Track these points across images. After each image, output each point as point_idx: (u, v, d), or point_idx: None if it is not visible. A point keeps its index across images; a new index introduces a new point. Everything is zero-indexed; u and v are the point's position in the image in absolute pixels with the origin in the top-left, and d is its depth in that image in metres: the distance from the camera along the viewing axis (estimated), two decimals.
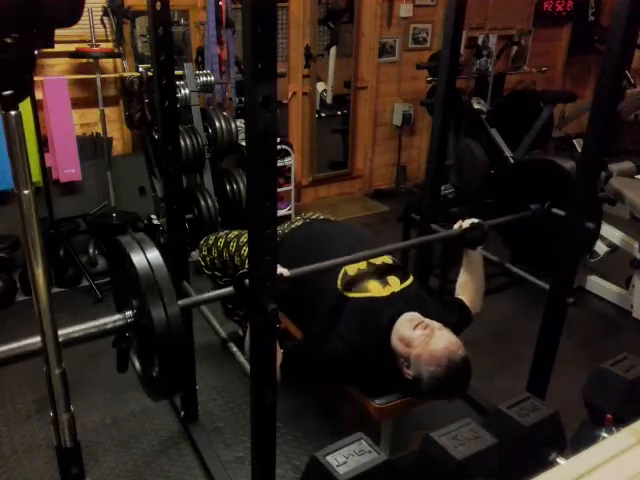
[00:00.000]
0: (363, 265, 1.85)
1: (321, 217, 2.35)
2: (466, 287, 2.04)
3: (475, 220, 2.05)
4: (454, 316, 1.90)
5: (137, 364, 1.56)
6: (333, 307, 1.77)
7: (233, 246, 2.20)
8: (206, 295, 1.60)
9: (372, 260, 1.88)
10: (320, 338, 1.74)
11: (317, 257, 1.77)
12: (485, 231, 2.03)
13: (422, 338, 1.63)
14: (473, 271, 2.05)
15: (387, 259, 1.93)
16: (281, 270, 1.55)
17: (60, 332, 1.24)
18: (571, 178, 2.12)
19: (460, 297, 2.01)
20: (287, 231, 2.13)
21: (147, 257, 1.38)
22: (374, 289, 1.79)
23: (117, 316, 1.42)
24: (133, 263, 1.36)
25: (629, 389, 1.06)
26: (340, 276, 1.82)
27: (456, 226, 2.07)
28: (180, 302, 1.42)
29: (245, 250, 2.09)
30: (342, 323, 1.73)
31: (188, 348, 1.41)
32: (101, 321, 1.39)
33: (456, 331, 1.87)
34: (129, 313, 1.42)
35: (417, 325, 1.68)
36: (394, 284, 1.82)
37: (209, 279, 2.41)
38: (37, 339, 1.08)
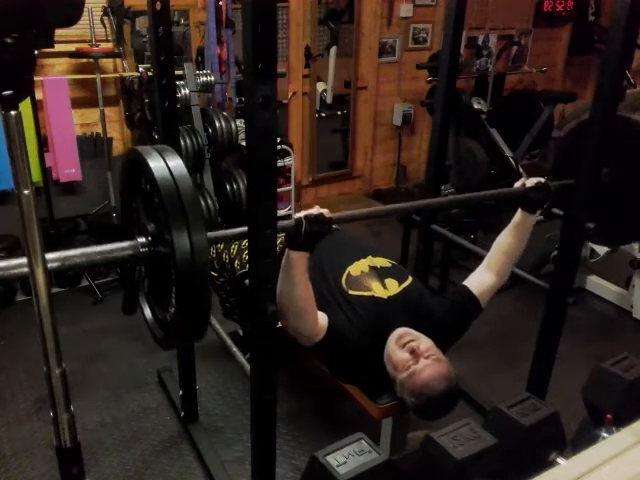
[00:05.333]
0: (366, 268, 1.87)
1: None
2: (503, 251, 1.90)
3: (541, 179, 1.85)
4: (459, 308, 1.85)
5: (146, 309, 1.36)
6: (339, 304, 1.77)
7: (234, 249, 2.19)
8: (238, 230, 1.32)
9: (373, 263, 1.89)
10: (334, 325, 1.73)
11: (331, 260, 1.82)
12: (550, 192, 1.83)
13: (407, 364, 1.61)
14: (519, 236, 1.89)
15: (385, 262, 1.94)
16: (322, 210, 1.50)
17: (58, 255, 1.12)
18: None
19: (467, 285, 1.89)
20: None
21: (169, 166, 1.12)
22: (376, 289, 1.80)
23: (127, 242, 1.18)
24: (152, 176, 1.10)
25: (629, 389, 1.06)
26: (344, 277, 1.83)
27: (518, 184, 1.87)
28: (209, 234, 1.19)
29: (246, 255, 2.08)
30: (348, 316, 1.73)
31: (208, 288, 1.18)
32: (108, 247, 1.15)
33: (465, 323, 1.86)
34: (142, 240, 1.19)
35: (405, 344, 1.65)
36: (392, 287, 1.82)
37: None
38: (23, 260, 0.97)
